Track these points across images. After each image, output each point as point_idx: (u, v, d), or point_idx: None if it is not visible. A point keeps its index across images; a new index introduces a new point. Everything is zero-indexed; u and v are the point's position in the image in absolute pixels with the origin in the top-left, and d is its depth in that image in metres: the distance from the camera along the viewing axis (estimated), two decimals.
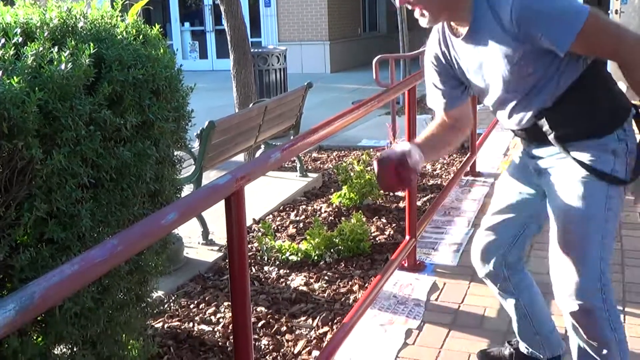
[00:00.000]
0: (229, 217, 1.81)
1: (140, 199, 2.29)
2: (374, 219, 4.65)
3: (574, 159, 1.95)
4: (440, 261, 3.68)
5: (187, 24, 17.40)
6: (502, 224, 2.31)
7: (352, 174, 5.01)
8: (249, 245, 4.10)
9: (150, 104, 2.27)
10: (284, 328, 3.23)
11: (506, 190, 2.32)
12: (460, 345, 2.81)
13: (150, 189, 2.33)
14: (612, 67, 1.97)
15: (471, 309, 3.13)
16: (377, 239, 4.29)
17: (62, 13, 2.25)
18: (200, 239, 4.39)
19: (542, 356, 2.49)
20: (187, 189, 4.02)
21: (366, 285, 3.60)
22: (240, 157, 5.76)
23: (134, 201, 2.25)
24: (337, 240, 4.01)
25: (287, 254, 4.00)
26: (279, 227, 4.68)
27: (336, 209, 4.93)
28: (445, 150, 2.24)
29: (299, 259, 3.98)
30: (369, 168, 4.96)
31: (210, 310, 3.47)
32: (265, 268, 3.95)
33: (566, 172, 2.00)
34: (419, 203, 4.70)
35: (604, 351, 2.04)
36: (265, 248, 4.04)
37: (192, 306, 3.53)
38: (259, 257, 4.07)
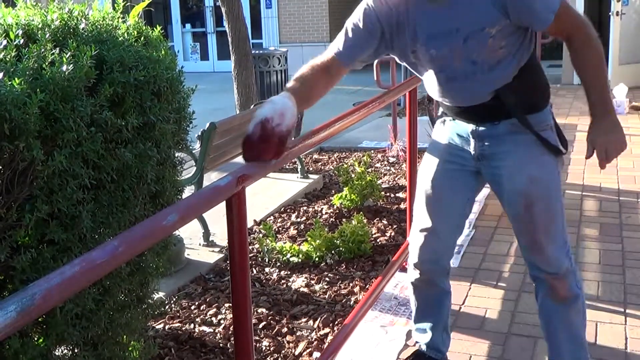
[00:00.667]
0: (230, 218, 1.81)
1: (141, 200, 2.29)
2: (375, 221, 4.65)
3: (531, 130, 2.10)
4: None
5: (188, 26, 17.40)
6: (444, 217, 2.30)
7: (353, 175, 5.01)
8: (250, 247, 4.10)
9: (151, 106, 2.27)
10: (284, 329, 3.23)
11: (438, 181, 2.29)
12: (461, 347, 2.81)
13: (151, 190, 2.34)
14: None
15: (472, 311, 3.13)
16: (378, 240, 4.29)
17: (63, 14, 2.26)
18: (201, 240, 4.39)
19: (445, 350, 2.54)
20: (188, 191, 4.02)
21: (367, 286, 3.60)
22: (241, 159, 5.76)
23: (135, 202, 2.25)
24: (338, 242, 4.01)
25: (288, 255, 4.00)
26: (280, 229, 4.68)
27: (337, 211, 4.93)
28: (313, 103, 2.13)
29: (300, 260, 3.98)
30: (369, 169, 4.96)
31: (211, 311, 3.47)
32: (266, 269, 3.95)
33: (520, 151, 2.13)
34: None
35: (574, 306, 2.29)
36: (266, 249, 4.04)
37: (193, 307, 3.53)
38: (259, 259, 4.07)
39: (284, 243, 4.17)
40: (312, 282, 3.74)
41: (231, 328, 3.11)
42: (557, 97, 8.43)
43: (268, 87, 7.84)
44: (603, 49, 2.05)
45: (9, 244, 1.86)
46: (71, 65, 1.95)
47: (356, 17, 2.12)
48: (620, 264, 3.54)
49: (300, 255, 3.99)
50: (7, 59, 1.90)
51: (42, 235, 1.95)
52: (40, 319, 2.02)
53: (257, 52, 7.70)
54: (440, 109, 2.34)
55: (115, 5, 2.44)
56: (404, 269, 3.58)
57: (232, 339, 2.79)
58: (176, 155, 2.55)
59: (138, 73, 2.19)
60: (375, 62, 7.16)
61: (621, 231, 3.99)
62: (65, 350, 2.18)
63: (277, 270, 3.92)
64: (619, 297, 3.16)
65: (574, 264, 2.28)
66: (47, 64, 1.95)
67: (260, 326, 3.26)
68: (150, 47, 2.39)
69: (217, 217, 3.91)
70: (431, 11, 2.01)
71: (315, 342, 3.10)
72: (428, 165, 2.32)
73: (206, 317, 3.41)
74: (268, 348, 3.06)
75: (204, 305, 3.54)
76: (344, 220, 4.63)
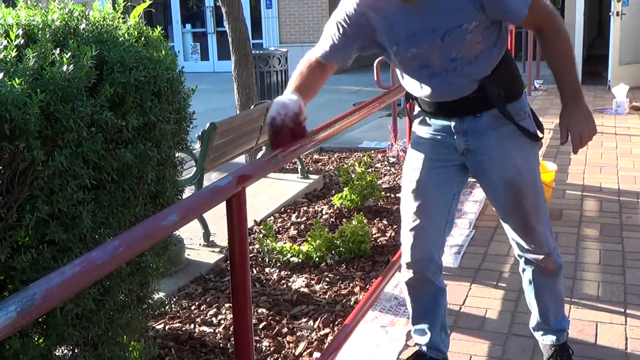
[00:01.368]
0: (230, 218, 1.81)
1: (141, 200, 2.29)
2: (375, 221, 4.65)
3: (512, 120, 2.17)
4: None
5: (188, 26, 17.40)
6: (432, 215, 2.32)
7: (353, 175, 5.01)
8: (250, 247, 4.10)
9: (151, 106, 2.28)
10: (285, 330, 3.23)
11: (423, 179, 2.31)
12: (462, 347, 2.81)
13: (151, 190, 2.34)
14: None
15: (472, 311, 3.13)
16: (378, 240, 4.29)
17: (63, 15, 2.26)
18: (201, 240, 4.39)
19: (445, 350, 2.55)
20: (189, 191, 4.03)
21: (367, 286, 3.60)
22: (242, 159, 5.76)
23: (135, 203, 2.25)
24: (338, 242, 4.01)
25: (288, 255, 4.00)
26: (280, 229, 4.68)
27: (337, 211, 4.93)
28: (315, 94, 2.29)
29: (300, 260, 3.98)
30: (370, 169, 4.96)
31: (211, 311, 3.47)
32: (267, 269, 3.95)
33: (504, 143, 2.22)
34: None
35: (559, 275, 2.47)
36: (266, 250, 4.04)
37: (193, 308, 3.53)
38: (260, 259, 4.07)
39: (284, 243, 4.17)
40: (313, 282, 3.74)
41: (231, 328, 3.11)
42: (556, 98, 8.42)
43: (268, 87, 7.84)
44: (570, 43, 2.16)
45: (10, 244, 1.86)
46: (71, 65, 1.95)
47: (332, 25, 2.18)
48: (621, 264, 3.54)
49: (301, 256, 3.99)
50: (8, 59, 1.90)
51: (43, 236, 1.95)
52: (40, 319, 2.02)
53: (257, 52, 7.69)
54: (417, 108, 2.37)
55: (116, 5, 2.44)
56: None
57: (232, 339, 2.79)
58: (176, 155, 2.55)
59: (138, 73, 2.19)
60: (376, 62, 7.16)
61: (621, 231, 3.99)
62: (66, 351, 2.18)
63: (277, 271, 3.92)
64: (619, 298, 3.16)
65: (554, 239, 2.45)
66: (47, 64, 1.95)
67: (261, 326, 3.26)
68: (150, 48, 2.39)
69: (217, 217, 3.91)
70: (407, 12, 2.04)
71: (316, 343, 3.10)
72: (412, 165, 2.35)
73: (206, 317, 3.41)
74: (268, 348, 3.07)
75: (204, 306, 3.54)
76: (344, 220, 4.63)
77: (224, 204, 1.78)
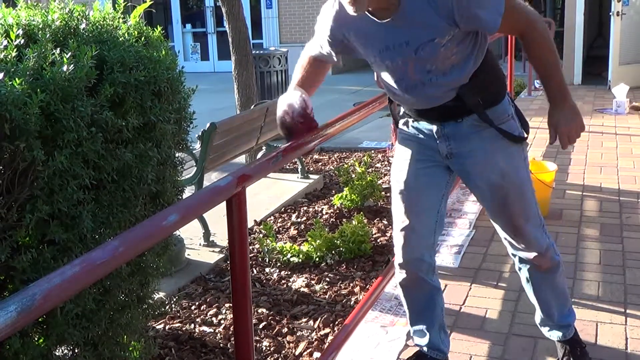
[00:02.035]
0: (230, 218, 1.81)
1: (141, 200, 2.29)
2: (375, 221, 4.65)
3: (493, 125, 2.18)
4: (441, 263, 3.67)
5: (188, 26, 17.40)
6: (422, 215, 2.33)
7: (353, 175, 5.01)
8: (250, 247, 4.10)
9: (151, 106, 2.28)
10: (285, 329, 3.23)
11: (411, 181, 2.32)
12: (462, 347, 2.81)
13: (151, 190, 2.34)
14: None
15: (472, 311, 3.13)
16: (378, 240, 4.29)
17: (64, 15, 2.26)
18: (201, 240, 4.39)
19: (446, 350, 2.56)
20: (189, 191, 4.03)
21: (367, 286, 3.60)
22: (242, 159, 5.76)
23: (136, 203, 2.25)
24: (338, 242, 4.01)
25: (289, 255, 4.00)
26: (280, 229, 4.68)
27: (337, 211, 4.93)
28: (318, 85, 2.37)
29: (300, 260, 3.98)
30: (370, 169, 4.96)
31: (212, 311, 3.47)
32: (267, 269, 3.95)
33: (487, 147, 2.21)
34: None
35: (558, 271, 2.46)
36: (266, 249, 4.04)
37: (193, 307, 3.53)
38: (260, 259, 4.07)
39: (285, 243, 4.17)
40: (313, 282, 3.74)
41: (231, 328, 3.11)
42: None
43: (268, 87, 7.83)
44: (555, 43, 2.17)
45: (10, 244, 1.86)
46: (72, 65, 1.95)
47: (319, 25, 2.23)
48: (621, 264, 3.54)
49: (301, 256, 3.99)
50: (8, 59, 1.90)
51: (43, 236, 1.95)
52: (40, 319, 2.02)
53: (257, 52, 7.69)
54: (402, 110, 2.39)
55: (116, 5, 2.44)
56: None
57: (233, 339, 2.79)
58: (176, 155, 2.55)
59: (138, 73, 2.19)
60: None
61: (621, 231, 3.98)
62: (66, 350, 2.18)
63: (277, 271, 3.92)
64: (619, 298, 3.16)
65: (549, 236, 2.41)
66: (47, 64, 1.95)
67: (261, 326, 3.26)
68: (150, 48, 2.39)
69: (217, 217, 3.91)
70: (381, 27, 2.04)
71: (316, 342, 3.10)
72: (399, 166, 2.35)
73: (206, 317, 3.41)
74: (268, 348, 3.07)
75: (204, 306, 3.54)
76: (344, 220, 4.63)
77: (224, 203, 1.78)
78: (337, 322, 3.26)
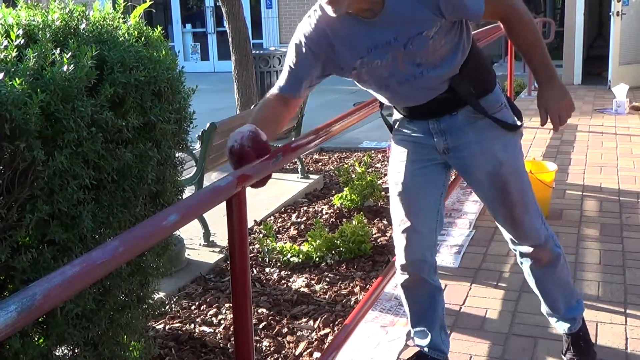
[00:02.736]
0: (230, 218, 1.81)
1: (141, 200, 2.29)
2: (375, 221, 4.65)
3: (487, 115, 2.18)
4: (441, 263, 3.67)
5: (188, 26, 17.40)
6: (421, 215, 2.33)
7: (353, 175, 5.01)
8: (250, 247, 4.10)
9: (152, 106, 2.28)
10: (285, 330, 3.23)
11: (409, 181, 2.31)
12: (462, 347, 2.81)
13: (151, 190, 2.34)
14: None
15: (472, 311, 3.13)
16: (378, 240, 4.29)
17: (64, 15, 2.26)
18: (201, 240, 4.39)
19: (446, 350, 2.56)
20: (189, 191, 4.03)
21: (367, 286, 3.60)
22: None
23: (136, 203, 2.25)
24: (338, 242, 4.01)
25: (289, 255, 4.00)
26: (280, 229, 4.68)
27: (337, 211, 4.93)
28: (279, 131, 2.24)
29: (300, 260, 3.99)
30: (370, 169, 4.96)
31: (212, 311, 3.47)
32: (267, 269, 3.95)
33: (483, 137, 2.21)
34: None
35: (559, 264, 2.44)
36: (266, 249, 4.04)
37: (193, 308, 3.53)
38: (260, 259, 4.07)
39: (284, 243, 4.17)
40: (313, 282, 3.74)
41: (231, 328, 3.11)
42: None
43: (268, 87, 7.80)
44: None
45: (10, 244, 1.86)
46: (72, 65, 1.95)
47: (291, 53, 2.13)
48: (621, 264, 3.54)
49: (301, 256, 3.99)
50: (8, 59, 1.90)
51: (43, 236, 1.96)
52: (40, 319, 2.02)
53: (257, 52, 7.69)
54: (395, 113, 2.37)
55: (116, 5, 2.44)
56: None
57: (233, 339, 2.79)
58: (176, 155, 2.55)
59: (139, 73, 2.19)
60: None
61: (622, 231, 3.98)
62: (66, 350, 2.18)
63: (277, 271, 3.92)
64: (619, 298, 3.16)
65: (549, 227, 2.41)
66: (47, 64, 1.95)
67: (261, 326, 3.26)
68: (150, 48, 2.39)
69: (217, 217, 3.91)
70: (367, 26, 2.03)
71: (316, 342, 3.10)
72: (396, 168, 2.35)
73: (206, 317, 3.41)
74: (268, 348, 3.07)
75: (204, 306, 3.54)
76: (344, 220, 4.63)
77: (224, 203, 1.78)
78: (337, 322, 3.26)
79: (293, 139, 5.57)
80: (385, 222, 4.58)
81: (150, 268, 2.45)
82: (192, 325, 3.33)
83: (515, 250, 2.45)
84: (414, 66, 2.08)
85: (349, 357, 2.82)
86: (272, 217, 4.93)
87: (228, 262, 3.58)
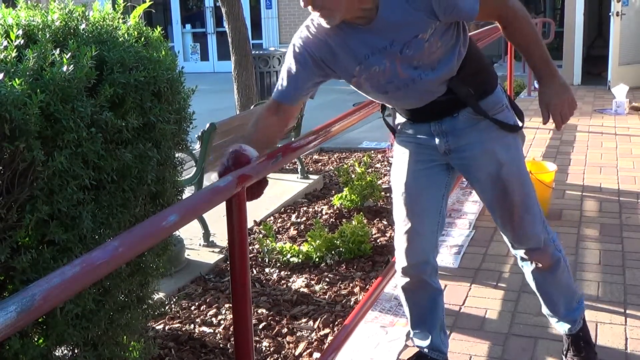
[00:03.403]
0: (230, 218, 1.81)
1: (141, 200, 2.29)
2: (375, 221, 4.65)
3: (487, 116, 2.17)
4: (440, 263, 3.67)
5: (188, 26, 17.40)
6: (423, 217, 2.32)
7: (353, 175, 5.01)
8: (250, 247, 4.10)
9: (151, 106, 2.28)
10: (284, 330, 3.23)
11: (411, 182, 2.31)
12: (462, 347, 2.81)
13: (151, 190, 2.34)
14: None
15: (472, 311, 3.13)
16: (378, 240, 4.29)
17: (63, 15, 2.26)
18: (201, 240, 4.39)
19: (446, 350, 2.55)
20: (188, 191, 4.03)
21: (367, 287, 3.60)
22: None
23: (135, 203, 2.25)
24: (338, 242, 4.01)
25: (288, 255, 4.00)
26: (280, 229, 4.68)
27: (337, 211, 4.93)
28: (273, 145, 2.20)
29: (300, 260, 3.99)
30: (369, 170, 4.96)
31: (211, 312, 3.47)
32: (266, 270, 3.95)
33: (484, 138, 2.20)
34: None
35: (559, 268, 2.42)
36: (266, 250, 4.04)
37: (193, 308, 3.53)
38: (259, 259, 4.07)
39: (284, 243, 4.17)
40: (312, 282, 3.74)
41: (231, 328, 3.11)
42: None
43: (268, 87, 7.84)
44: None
45: (10, 244, 1.86)
46: (71, 65, 1.95)
47: (289, 59, 2.14)
48: (621, 264, 3.54)
49: (300, 256, 3.99)
50: (8, 60, 1.90)
51: (43, 236, 1.95)
52: (40, 320, 2.02)
53: (257, 52, 7.70)
54: (397, 116, 2.37)
55: (116, 5, 2.44)
56: None
57: (232, 339, 2.79)
58: (176, 155, 2.55)
59: (138, 74, 2.19)
60: None
61: (621, 231, 3.99)
62: (66, 351, 2.18)
63: (277, 271, 3.92)
64: (619, 298, 3.16)
65: (550, 230, 2.39)
66: (47, 64, 1.95)
67: (260, 327, 3.26)
68: (150, 48, 2.39)
69: (217, 217, 3.91)
70: (362, 33, 2.03)
71: (316, 343, 3.10)
72: (399, 169, 2.35)
73: (206, 318, 3.41)
74: (268, 348, 3.07)
75: (204, 306, 3.54)
76: (344, 220, 4.63)
77: (224, 204, 1.78)
78: (336, 323, 3.26)
79: (293, 139, 5.58)
80: (385, 223, 4.58)
81: (150, 268, 2.45)
82: (192, 326, 3.33)
83: (516, 255, 2.44)
84: (412, 70, 2.08)
85: (348, 358, 2.82)
86: (271, 217, 4.93)
87: (228, 262, 3.58)
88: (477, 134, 2.21)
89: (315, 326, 3.25)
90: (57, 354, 2.14)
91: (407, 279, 2.41)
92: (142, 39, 2.43)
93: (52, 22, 2.20)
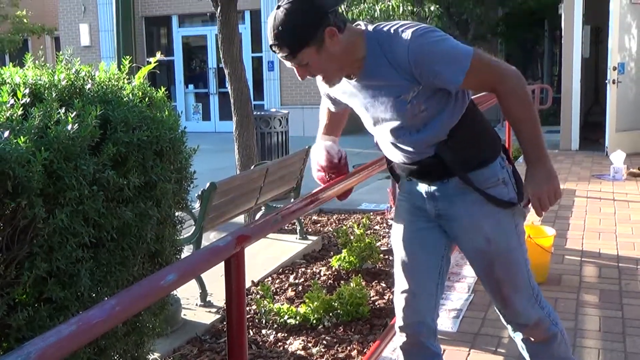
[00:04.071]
0: (228, 279, 1.80)
1: (140, 259, 2.29)
2: (373, 283, 4.62)
3: (477, 189, 2.11)
4: (439, 327, 3.63)
5: (191, 86, 17.66)
6: (420, 278, 2.29)
7: (352, 237, 5.00)
8: (247, 308, 4.07)
9: (153, 165, 2.30)
10: None
11: (408, 242, 2.30)
12: None
13: (150, 249, 2.34)
14: None
15: None
16: (376, 303, 4.25)
17: (70, 75, 2.30)
18: (198, 300, 4.35)
19: None
20: (187, 250, 4.02)
21: (365, 350, 3.55)
22: (241, 219, 5.77)
23: (134, 261, 2.25)
24: (336, 304, 3.97)
25: (286, 317, 3.96)
26: (278, 290, 4.65)
27: (336, 273, 4.90)
28: (342, 127, 2.55)
29: (297, 322, 3.94)
30: (368, 231, 4.95)
31: None
32: (263, 331, 3.91)
33: (472, 211, 2.15)
34: None
35: (555, 342, 2.32)
36: (263, 311, 4.00)
37: None
38: (256, 320, 4.03)
39: (282, 304, 4.13)
40: (310, 345, 3.70)
41: None
42: (556, 163, 8.47)
43: (269, 147, 7.90)
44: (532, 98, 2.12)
45: (6, 301, 1.85)
46: (76, 124, 1.98)
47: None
48: (621, 331, 3.50)
49: (298, 318, 3.95)
50: (14, 118, 1.93)
51: (40, 293, 1.95)
52: None
53: (258, 113, 7.78)
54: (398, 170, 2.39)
55: (121, 66, 2.49)
56: None
57: None
58: (176, 214, 2.56)
59: (142, 133, 2.22)
60: None
61: (621, 298, 3.96)
62: None
63: (274, 332, 3.88)
64: None
65: (546, 306, 2.30)
66: (52, 122, 1.98)
67: None
68: (154, 108, 2.43)
69: (214, 276, 3.89)
70: (354, 86, 2.11)
71: None
72: (398, 227, 2.35)
73: None
74: None
75: None
76: (342, 282, 4.60)
77: (222, 263, 1.78)
78: None
79: (292, 199, 5.59)
80: (384, 285, 4.55)
81: (147, 328, 2.43)
82: None
83: (507, 325, 2.38)
84: (397, 128, 2.10)
85: None
86: (269, 278, 4.90)
87: (224, 323, 3.55)
88: (465, 205, 2.16)
89: None
90: None
91: (404, 339, 2.39)
92: (146, 99, 2.47)
93: (58, 81, 2.24)
